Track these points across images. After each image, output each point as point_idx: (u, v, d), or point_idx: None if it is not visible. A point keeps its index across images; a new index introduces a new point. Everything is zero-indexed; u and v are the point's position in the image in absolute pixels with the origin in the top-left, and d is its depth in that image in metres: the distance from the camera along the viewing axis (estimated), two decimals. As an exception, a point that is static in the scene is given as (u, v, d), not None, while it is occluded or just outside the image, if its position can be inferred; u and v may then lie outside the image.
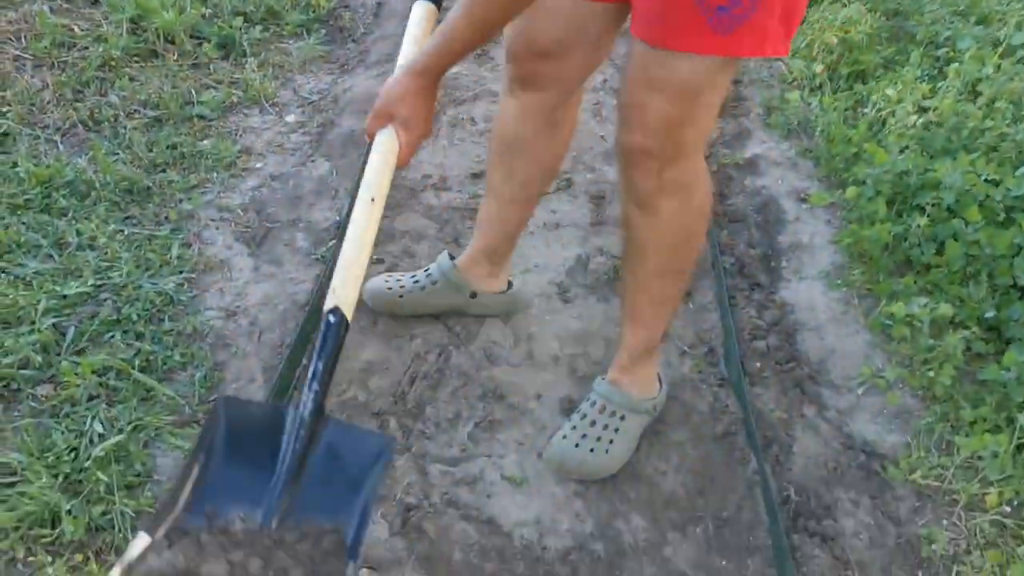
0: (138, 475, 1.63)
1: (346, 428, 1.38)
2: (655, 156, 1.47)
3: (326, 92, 2.92)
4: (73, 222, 2.18)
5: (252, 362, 1.91)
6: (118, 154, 2.44)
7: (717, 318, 2.17)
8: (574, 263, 2.32)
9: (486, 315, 2.07)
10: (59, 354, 1.84)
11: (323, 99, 2.88)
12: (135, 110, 2.65)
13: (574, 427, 1.75)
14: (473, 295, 2.03)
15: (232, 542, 1.09)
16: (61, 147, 2.47)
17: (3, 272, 2.01)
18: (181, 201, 2.33)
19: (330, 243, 2.24)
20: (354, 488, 1.20)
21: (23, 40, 2.89)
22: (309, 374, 1.24)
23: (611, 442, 1.73)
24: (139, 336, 1.90)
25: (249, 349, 1.94)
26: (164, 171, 2.43)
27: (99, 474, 1.58)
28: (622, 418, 1.75)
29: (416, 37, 1.60)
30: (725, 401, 1.92)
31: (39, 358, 1.80)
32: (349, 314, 1.28)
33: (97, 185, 2.29)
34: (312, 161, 2.58)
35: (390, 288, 2.02)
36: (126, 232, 2.18)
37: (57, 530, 1.50)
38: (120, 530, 1.52)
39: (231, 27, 3.06)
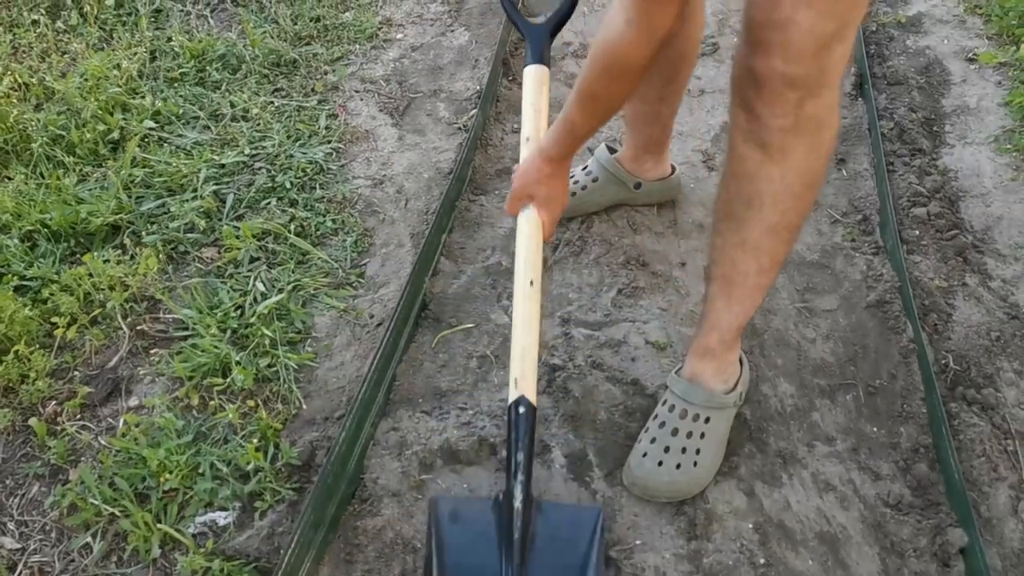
0: (298, 332, 1.71)
1: (557, 508, 1.38)
2: (797, 86, 1.21)
3: (464, -40, 2.86)
4: (227, 94, 2.25)
5: (400, 228, 1.95)
6: (265, 28, 2.49)
7: (872, 185, 2.07)
8: (719, 130, 2.25)
9: (651, 203, 2.00)
10: (220, 219, 1.93)
11: (461, -33, 2.83)
12: (279, -16, 2.68)
13: (653, 440, 1.50)
14: (637, 186, 1.95)
15: None
16: (211, 22, 2.54)
17: (165, 142, 2.11)
18: (326, 73, 2.37)
19: (471, 112, 2.24)
20: (580, 565, 1.27)
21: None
22: (512, 466, 1.31)
23: (698, 452, 1.48)
24: (293, 203, 1.97)
25: (396, 216, 1.98)
26: (309, 44, 2.47)
27: (264, 330, 1.67)
28: (707, 420, 1.50)
29: (534, 104, 1.67)
30: (880, 269, 1.85)
31: (203, 223, 1.90)
32: (534, 400, 1.35)
33: (247, 58, 2.35)
34: (451, 31, 2.56)
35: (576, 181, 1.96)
36: (276, 103, 2.24)
37: (228, 379, 1.60)
38: (284, 381, 1.62)
39: None
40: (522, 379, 1.35)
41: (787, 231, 1.38)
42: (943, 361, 1.67)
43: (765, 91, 1.23)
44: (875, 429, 1.59)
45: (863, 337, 1.74)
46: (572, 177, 1.96)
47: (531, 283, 1.44)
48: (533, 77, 1.70)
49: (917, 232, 1.92)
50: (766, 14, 1.17)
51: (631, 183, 1.95)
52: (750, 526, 1.43)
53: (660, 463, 1.46)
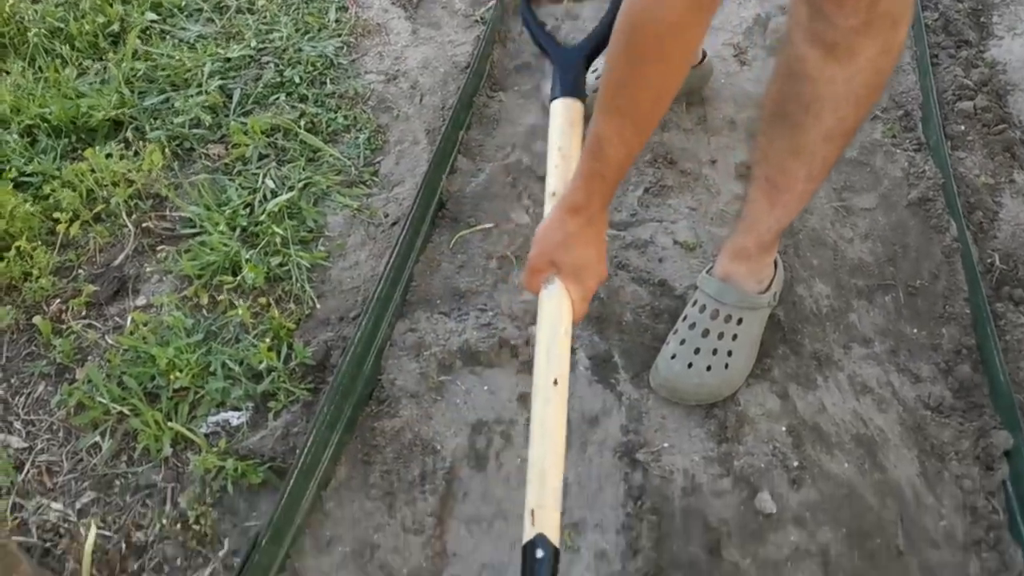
0: (310, 230, 1.64)
1: None
2: None
3: None
4: (232, -15, 2.14)
5: (415, 124, 1.86)
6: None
7: (915, 79, 1.95)
8: (752, 23, 2.12)
9: (682, 92, 1.80)
10: (227, 115, 1.84)
11: None
12: None
13: (683, 341, 1.43)
14: None
15: None
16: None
17: (168, 35, 2.01)
18: (336, -37, 2.24)
19: (489, 4, 2.12)
20: None
21: None
22: None
23: (730, 354, 1.41)
24: (303, 98, 1.88)
25: (411, 112, 1.89)
26: (317, -68, 2.33)
27: (274, 228, 1.60)
28: (739, 322, 1.42)
29: (563, 148, 1.34)
30: (922, 166, 1.75)
31: (208, 118, 1.81)
32: (556, 540, 1.03)
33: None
34: (468, -83, 2.42)
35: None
36: (283, -5, 2.13)
37: (238, 278, 1.54)
38: (296, 280, 1.55)
39: None
40: (540, 510, 1.04)
41: (843, 136, 1.26)
42: (988, 260, 1.59)
43: None
44: (915, 330, 1.52)
45: (903, 236, 1.65)
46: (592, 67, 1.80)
47: (555, 382, 1.13)
48: (562, 113, 1.40)
49: (962, 127, 1.81)
50: None
51: None
52: (783, 428, 1.37)
53: (690, 364, 1.40)
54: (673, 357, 1.41)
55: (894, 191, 1.73)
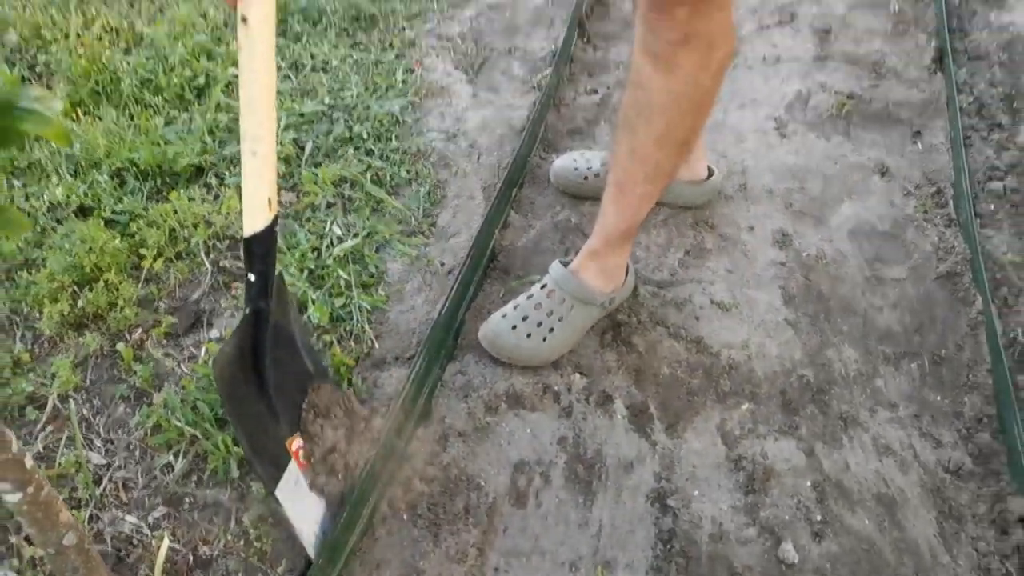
0: (372, 275, 1.77)
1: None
2: (684, 2, 1.29)
3: (542, -78, 2.88)
4: (307, 46, 2.30)
5: (472, 180, 1.99)
6: (346, -18, 2.54)
7: (948, 159, 2.05)
8: (793, 98, 2.24)
9: (678, 205, 1.95)
10: (299, 165, 1.98)
11: (539, -71, 2.84)
12: (359, -60, 2.73)
13: (516, 306, 1.64)
14: None
15: None
16: (296, -27, 2.60)
17: (249, 90, 2.17)
18: (404, 28, 2.41)
19: (545, 71, 2.26)
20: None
21: None
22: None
23: (551, 330, 1.61)
24: (369, 152, 2.02)
25: (469, 169, 2.02)
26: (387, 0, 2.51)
27: (339, 271, 1.72)
28: (570, 308, 1.63)
29: None
30: (951, 241, 1.84)
31: (282, 168, 1.96)
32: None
33: (328, 12, 2.40)
34: (528, -9, 2.59)
35: (576, 169, 1.96)
36: (354, 56, 2.29)
37: (305, 316, 1.66)
38: (357, 321, 1.67)
39: None
40: (273, 198, 1.15)
41: (672, 144, 1.46)
42: (1011, 334, 1.66)
43: (658, 7, 1.32)
44: (938, 398, 1.59)
45: (931, 308, 1.73)
46: (603, 158, 1.95)
47: (243, 20, 1.05)
48: None
49: (991, 206, 1.90)
50: None
51: None
52: (808, 484, 1.45)
53: (514, 327, 1.61)
54: (504, 316, 1.64)
55: (924, 264, 1.81)
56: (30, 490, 1.09)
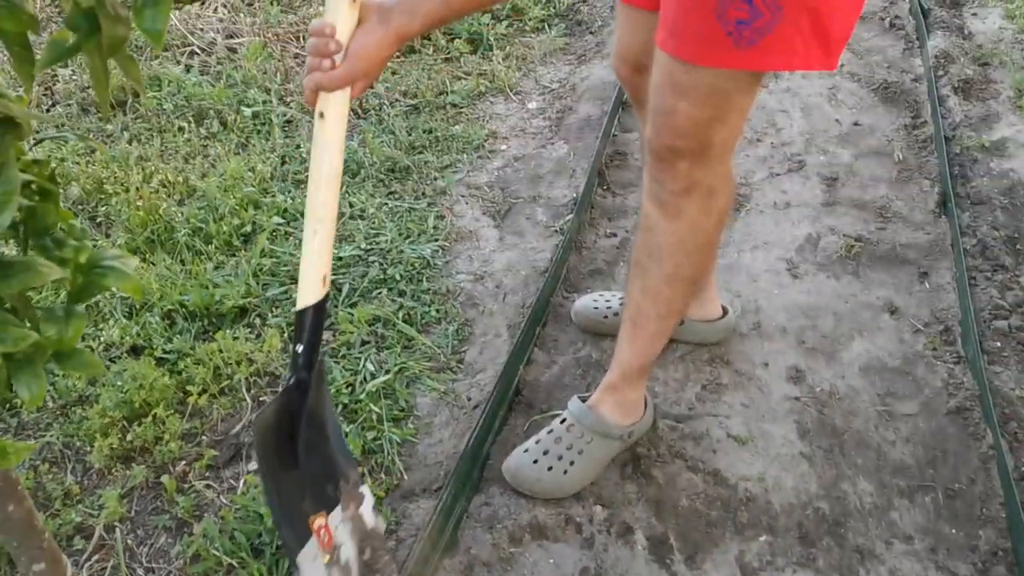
0: (402, 410, 1.86)
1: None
2: (685, 157, 1.44)
3: (565, 81, 3.11)
4: (346, 195, 2.48)
5: (498, 320, 2.10)
6: (382, 137, 2.74)
7: (954, 299, 2.14)
8: (804, 241, 2.36)
9: (694, 342, 2.02)
10: (337, 305, 2.11)
11: (562, 87, 3.07)
12: (396, 99, 2.96)
13: (538, 441, 1.72)
14: (680, 322, 1.93)
15: None
16: (335, 132, 2.80)
17: (291, 236, 2.33)
18: (436, 179, 2.58)
19: (567, 217, 2.41)
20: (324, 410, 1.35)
21: (301, 40, 3.29)
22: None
23: (571, 463, 1.68)
24: (401, 293, 2.15)
25: (495, 308, 2.14)
26: (421, 152, 2.70)
27: (372, 406, 1.82)
28: (588, 441, 1.70)
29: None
30: (960, 378, 1.91)
31: (321, 309, 2.08)
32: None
33: (366, 164, 2.59)
34: (551, 144, 2.77)
35: (596, 308, 2.07)
36: (390, 205, 2.46)
37: (338, 449, 1.75)
38: (388, 454, 1.75)
39: (479, 24, 3.32)
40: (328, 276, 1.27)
41: (681, 283, 1.60)
42: (1022, 468, 1.71)
43: (661, 159, 1.47)
44: (953, 531, 1.63)
45: (943, 442, 1.79)
46: (622, 298, 2.00)
47: (320, 115, 1.20)
48: None
49: (998, 344, 1.97)
50: (657, 102, 1.43)
51: None
52: (826, 616, 1.48)
53: (535, 461, 1.68)
54: (526, 451, 1.71)
55: (934, 399, 1.88)
56: (81, 613, 1.17)
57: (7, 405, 1.88)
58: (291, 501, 1.31)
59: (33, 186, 0.82)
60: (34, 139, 2.73)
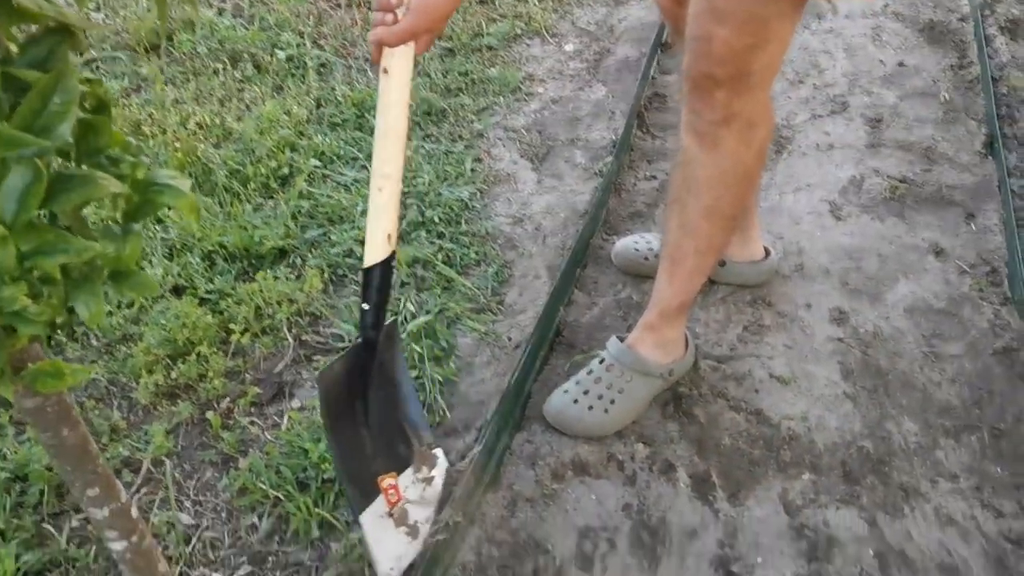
0: (443, 349, 1.86)
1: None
2: (723, 85, 1.41)
3: (602, 22, 3.06)
4: (383, 138, 2.46)
5: (537, 262, 2.09)
6: (418, 80, 2.72)
7: (1001, 240, 2.10)
8: (847, 183, 2.32)
9: (737, 284, 2.01)
10: (375, 248, 2.11)
11: (599, 29, 3.02)
12: (431, 42, 2.92)
13: (578, 382, 1.71)
14: (722, 263, 1.96)
15: None
16: (370, 74, 2.79)
17: (328, 179, 2.33)
18: (472, 122, 2.56)
19: (607, 159, 2.38)
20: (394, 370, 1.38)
21: (335, -16, 3.26)
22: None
23: (612, 402, 1.67)
24: (440, 235, 2.15)
25: (534, 251, 2.13)
26: (457, 95, 2.68)
27: (413, 346, 1.82)
28: (628, 380, 1.69)
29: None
30: (1007, 319, 1.88)
31: (359, 249, 2.09)
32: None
33: (401, 107, 2.57)
34: (589, 86, 2.74)
35: (637, 249, 2.05)
36: (427, 148, 2.44)
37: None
38: (430, 392, 1.76)
39: (515, -35, 3.27)
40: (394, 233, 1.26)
41: (720, 218, 1.58)
42: (1071, 408, 1.68)
43: (698, 89, 1.45)
44: (999, 470, 1.61)
45: (989, 382, 1.76)
46: (649, 244, 2.03)
47: (384, 71, 1.20)
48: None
49: (1047, 286, 1.94)
50: (695, 29, 1.41)
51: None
52: (871, 552, 1.48)
53: (575, 401, 1.68)
54: (566, 392, 1.70)
55: (980, 340, 1.85)
56: (134, 539, 1.18)
57: (51, 342, 1.90)
58: (358, 459, 1.32)
59: (86, 104, 0.81)
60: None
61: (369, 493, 1.33)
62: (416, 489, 1.42)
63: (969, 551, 1.48)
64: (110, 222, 0.84)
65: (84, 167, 0.79)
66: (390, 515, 1.36)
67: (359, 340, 1.29)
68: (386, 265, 1.26)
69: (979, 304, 1.94)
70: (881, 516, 1.53)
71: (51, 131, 0.69)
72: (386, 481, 1.35)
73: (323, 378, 1.27)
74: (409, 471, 1.40)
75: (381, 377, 1.33)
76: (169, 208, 1.07)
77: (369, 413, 1.33)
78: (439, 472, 1.45)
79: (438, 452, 1.45)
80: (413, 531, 1.40)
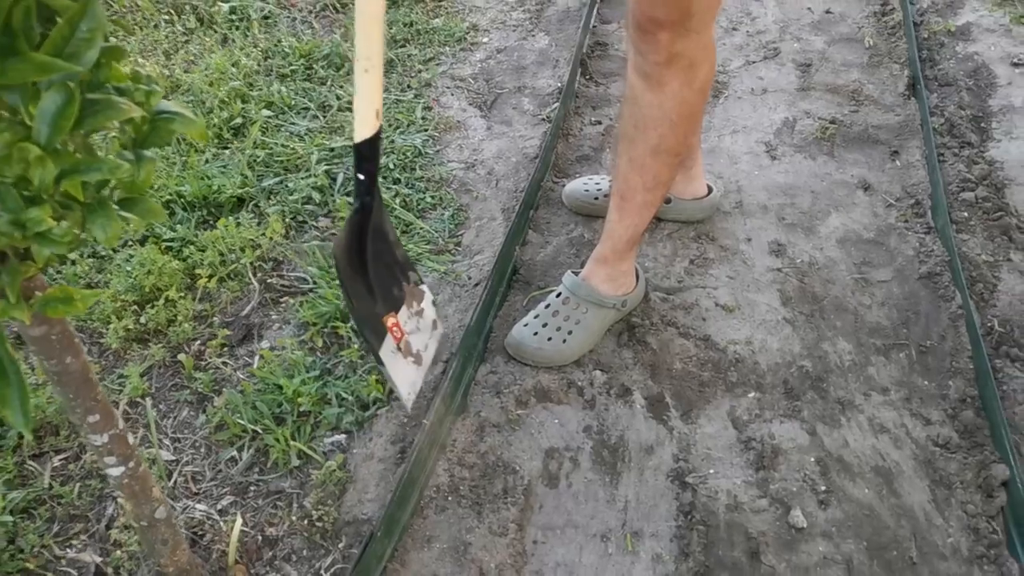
0: (406, 289, 1.93)
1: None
2: (665, 27, 1.48)
3: (541, -28, 3.11)
4: (332, 88, 2.50)
5: (492, 204, 2.17)
6: (364, 31, 2.74)
7: (924, 174, 2.24)
8: (781, 125, 2.44)
9: (681, 220, 2.12)
10: (332, 194, 2.16)
11: (539, -21, 3.07)
12: (373, -7, 2.94)
13: (536, 315, 1.82)
14: (668, 200, 2.07)
15: None
16: (316, 26, 2.80)
17: (282, 128, 2.35)
18: (420, 71, 2.61)
19: (553, 106, 2.46)
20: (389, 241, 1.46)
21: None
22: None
23: (569, 333, 1.78)
24: (396, 181, 2.20)
25: (488, 194, 2.20)
26: (404, 46, 2.71)
27: (376, 285, 1.89)
28: (584, 312, 1.80)
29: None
30: (931, 246, 2.02)
31: (317, 196, 2.13)
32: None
33: (350, 57, 2.60)
34: (532, 36, 2.80)
35: (587, 190, 2.15)
36: (377, 97, 2.48)
37: (348, 325, 1.82)
38: (396, 329, 1.83)
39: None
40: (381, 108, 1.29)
41: (666, 155, 1.65)
42: (988, 324, 1.84)
43: (643, 30, 1.51)
44: (926, 382, 1.76)
45: (915, 304, 1.91)
46: (597, 185, 2.14)
47: None
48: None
49: (965, 214, 2.09)
50: None
51: None
52: (812, 459, 1.61)
53: (535, 333, 1.79)
54: (525, 325, 1.81)
55: (907, 267, 2.00)
56: (131, 464, 1.24)
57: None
58: (367, 306, 1.41)
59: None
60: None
61: (380, 333, 1.43)
62: (412, 322, 1.51)
63: (901, 455, 1.62)
64: (121, 149, 0.89)
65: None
66: (399, 349, 1.46)
67: (357, 205, 1.39)
68: (375, 139, 1.35)
69: (905, 234, 2.08)
70: (820, 427, 1.67)
71: (79, 57, 0.74)
72: (389, 320, 1.45)
73: (335, 245, 1.38)
74: (404, 308, 1.50)
75: (375, 234, 1.43)
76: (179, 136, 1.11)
77: (369, 265, 1.43)
78: (427, 303, 1.55)
79: (423, 287, 1.55)
80: (418, 359, 1.49)
